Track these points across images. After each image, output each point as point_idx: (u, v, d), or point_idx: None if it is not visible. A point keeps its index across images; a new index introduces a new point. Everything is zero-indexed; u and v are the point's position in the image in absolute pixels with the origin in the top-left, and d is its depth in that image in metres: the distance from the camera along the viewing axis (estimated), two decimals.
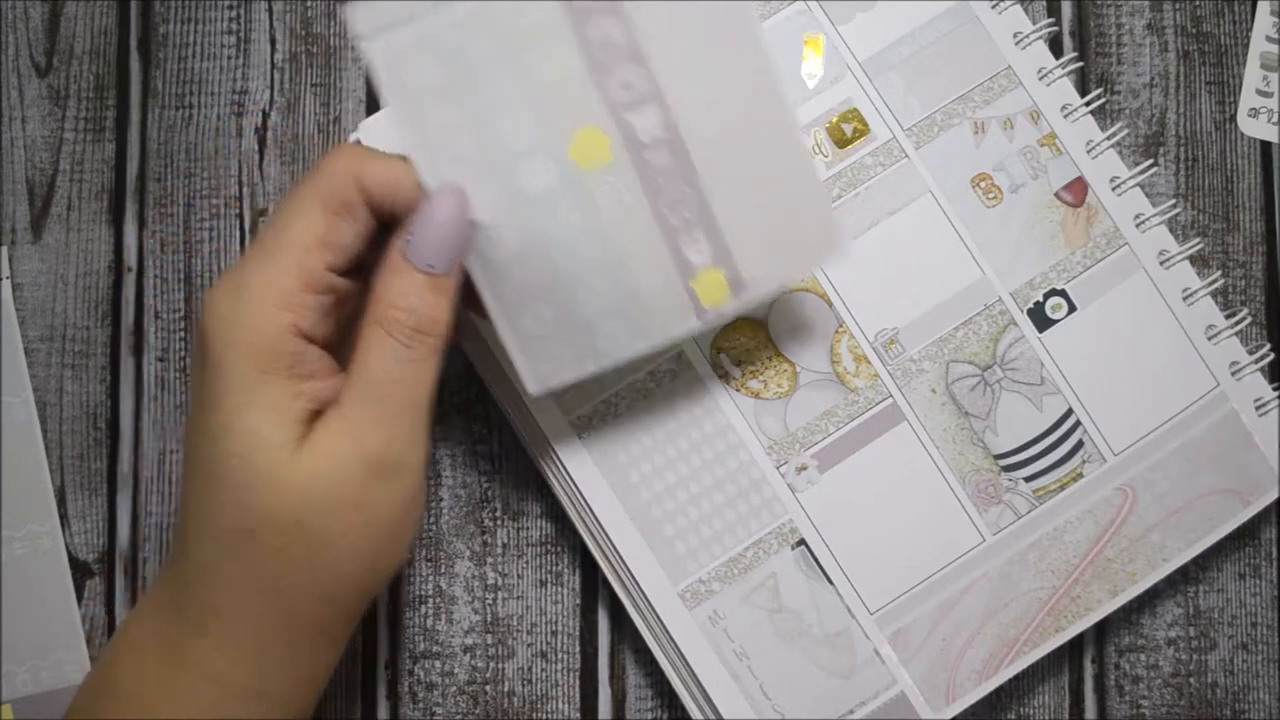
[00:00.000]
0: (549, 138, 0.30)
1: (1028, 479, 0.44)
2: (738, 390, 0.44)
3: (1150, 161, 0.46)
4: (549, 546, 0.46)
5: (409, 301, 0.32)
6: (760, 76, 0.30)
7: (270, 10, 0.47)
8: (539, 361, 0.34)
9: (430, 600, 0.45)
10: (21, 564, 0.44)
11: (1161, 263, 0.45)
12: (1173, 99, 0.48)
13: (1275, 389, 0.45)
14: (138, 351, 0.46)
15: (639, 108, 0.30)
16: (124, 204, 0.46)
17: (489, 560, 0.46)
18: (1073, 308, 0.45)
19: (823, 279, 0.44)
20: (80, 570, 0.45)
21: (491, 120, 0.29)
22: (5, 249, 0.46)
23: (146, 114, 0.46)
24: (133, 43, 0.47)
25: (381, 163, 0.32)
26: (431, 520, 0.46)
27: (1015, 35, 0.45)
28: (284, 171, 0.46)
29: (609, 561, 0.44)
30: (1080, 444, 0.44)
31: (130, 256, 0.46)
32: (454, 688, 0.45)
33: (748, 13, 0.30)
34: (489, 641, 0.45)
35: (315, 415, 0.33)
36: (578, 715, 0.45)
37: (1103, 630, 0.46)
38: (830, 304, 0.44)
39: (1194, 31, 0.48)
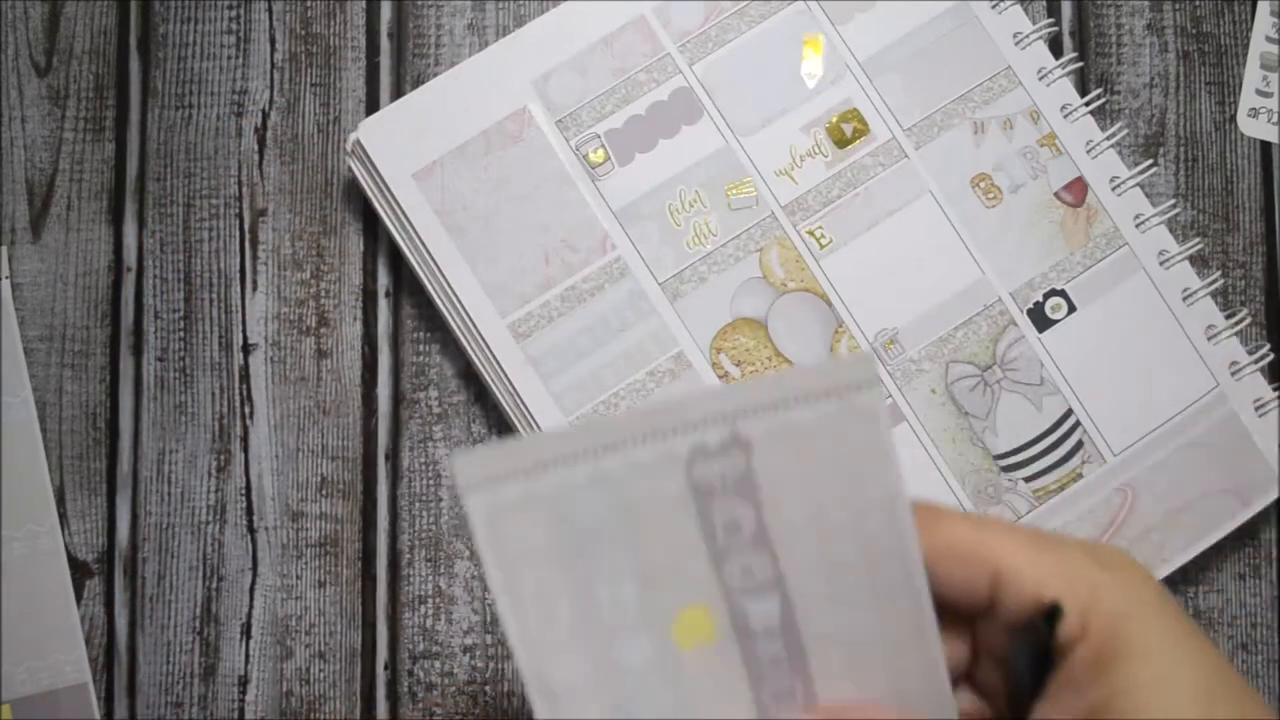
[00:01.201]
0: (652, 614, 0.27)
1: (1027, 479, 0.44)
2: None
3: (1150, 161, 0.46)
4: None
5: None
6: (903, 589, 0.27)
7: (270, 10, 0.47)
8: None
9: (430, 600, 0.45)
10: (21, 564, 0.44)
11: (1161, 263, 0.45)
12: (1173, 99, 0.48)
13: (1275, 389, 0.45)
14: (137, 351, 0.46)
15: (757, 595, 0.27)
16: (124, 204, 0.46)
17: None
18: (1073, 308, 0.45)
19: (822, 279, 0.44)
20: (79, 570, 0.45)
21: (593, 587, 0.27)
22: (5, 249, 0.46)
23: (146, 114, 0.46)
24: (132, 43, 0.47)
25: None
26: (431, 520, 0.46)
27: (1015, 35, 0.45)
28: (284, 171, 0.46)
29: None
30: (1080, 444, 0.44)
31: (130, 256, 0.46)
32: (454, 688, 0.45)
33: (904, 526, 0.27)
34: (489, 641, 0.45)
35: None
36: None
37: None
38: (830, 304, 0.44)
39: (1194, 31, 0.48)
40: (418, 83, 0.46)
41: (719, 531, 0.27)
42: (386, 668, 0.45)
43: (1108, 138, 0.45)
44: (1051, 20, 0.45)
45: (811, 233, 0.44)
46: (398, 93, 0.47)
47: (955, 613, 0.28)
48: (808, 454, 0.26)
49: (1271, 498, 0.44)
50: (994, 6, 0.45)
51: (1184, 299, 0.45)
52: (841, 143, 0.45)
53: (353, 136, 0.44)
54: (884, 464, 0.26)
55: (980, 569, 0.27)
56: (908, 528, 0.26)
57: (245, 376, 0.46)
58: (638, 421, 0.26)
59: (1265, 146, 0.48)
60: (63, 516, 0.45)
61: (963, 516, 0.28)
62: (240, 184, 0.46)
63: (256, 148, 0.46)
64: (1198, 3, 0.48)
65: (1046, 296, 0.45)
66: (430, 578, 0.45)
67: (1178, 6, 0.48)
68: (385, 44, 0.47)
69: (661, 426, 0.26)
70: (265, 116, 0.47)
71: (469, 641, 0.45)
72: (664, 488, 0.26)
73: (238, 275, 0.46)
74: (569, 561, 0.27)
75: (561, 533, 0.27)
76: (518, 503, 0.26)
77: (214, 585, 0.45)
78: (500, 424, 0.45)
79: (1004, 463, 0.44)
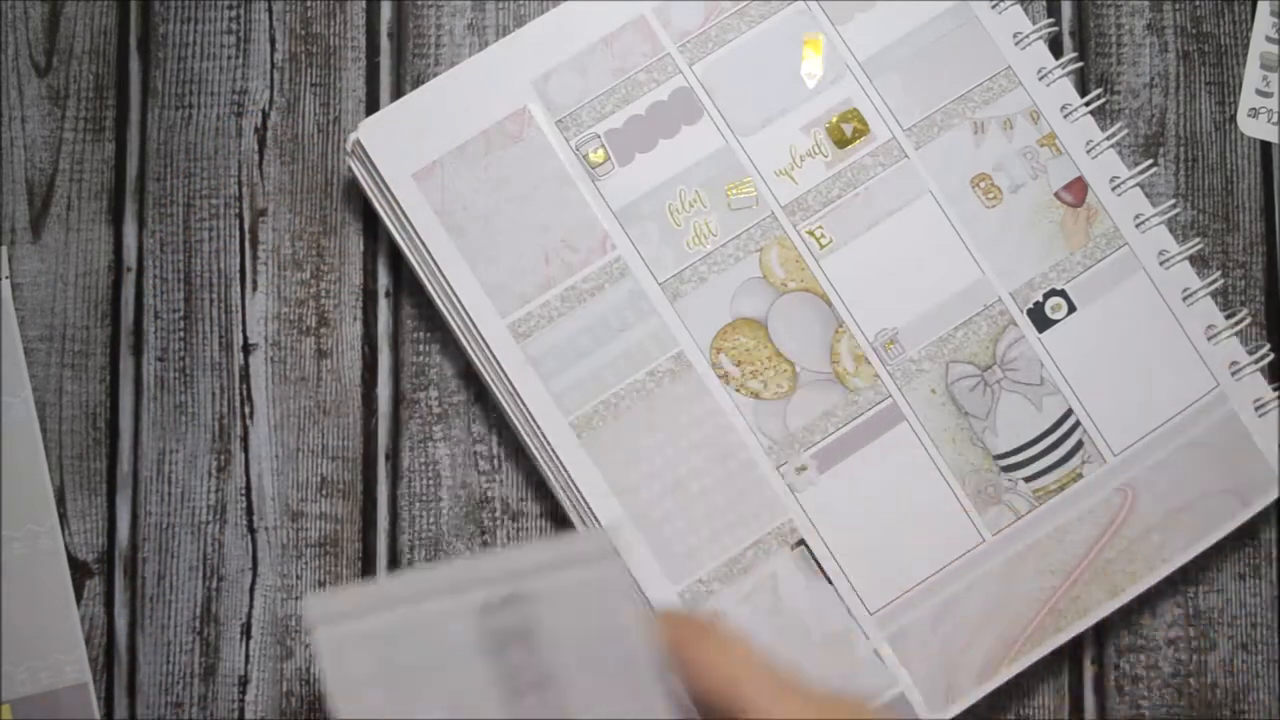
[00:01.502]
0: None
1: (1027, 479, 0.44)
2: (738, 391, 0.44)
3: (1150, 161, 0.46)
4: None
5: None
6: None
7: (270, 10, 0.47)
8: None
9: None
10: (21, 564, 0.44)
11: (1161, 263, 0.45)
12: (1173, 99, 0.48)
13: (1275, 389, 0.45)
14: (137, 351, 0.46)
15: None
16: (124, 204, 0.46)
17: None
18: (1073, 308, 0.45)
19: (822, 279, 0.44)
20: (80, 570, 0.45)
21: (413, 714, 0.32)
22: (5, 249, 0.46)
23: (146, 114, 0.46)
24: (132, 43, 0.47)
25: None
26: (431, 520, 0.46)
27: (1015, 35, 0.45)
28: (284, 171, 0.46)
29: None
30: (1080, 444, 0.44)
31: (130, 256, 0.46)
32: None
33: (653, 678, 0.31)
34: None
35: None
36: None
37: (1102, 630, 0.46)
38: (830, 304, 0.44)
39: (1194, 31, 0.48)
40: (418, 83, 0.46)
41: (510, 673, 0.32)
42: None
43: (1108, 138, 0.45)
44: (1051, 20, 0.45)
45: (811, 233, 0.44)
46: (398, 93, 0.47)
47: None
48: (573, 609, 0.32)
49: (1271, 498, 0.44)
50: (994, 6, 0.45)
51: (1184, 299, 0.45)
52: (841, 143, 0.45)
53: (353, 136, 0.44)
54: (629, 622, 0.31)
55: (728, 698, 0.30)
56: (657, 680, 0.31)
57: (245, 376, 0.46)
58: (446, 576, 0.32)
59: (1265, 146, 0.48)
60: (63, 516, 0.45)
61: (719, 643, 0.31)
62: (240, 184, 0.46)
63: (256, 148, 0.46)
64: (1198, 3, 0.48)
65: (1046, 296, 0.45)
66: None
67: (1178, 6, 0.48)
68: (385, 44, 0.47)
69: (462, 581, 0.31)
70: (265, 116, 0.47)
71: None
72: (463, 633, 0.32)
73: (238, 275, 0.46)
74: (393, 691, 0.32)
75: (387, 665, 0.32)
76: (353, 638, 0.32)
77: (214, 585, 0.45)
78: (500, 424, 0.45)
79: (1004, 463, 0.44)
